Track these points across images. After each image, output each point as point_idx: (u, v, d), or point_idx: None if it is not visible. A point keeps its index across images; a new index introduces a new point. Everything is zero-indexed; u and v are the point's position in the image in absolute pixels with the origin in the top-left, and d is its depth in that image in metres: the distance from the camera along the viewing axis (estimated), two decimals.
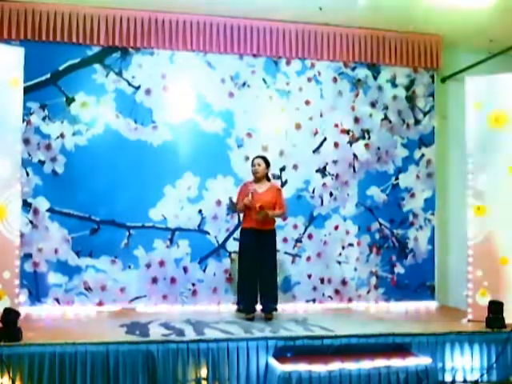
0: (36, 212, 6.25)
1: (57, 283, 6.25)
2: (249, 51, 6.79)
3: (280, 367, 4.57)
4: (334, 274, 6.94)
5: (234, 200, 5.96)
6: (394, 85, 7.25)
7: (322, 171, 6.99)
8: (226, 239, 6.68)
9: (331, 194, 7.00)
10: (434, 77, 7.39)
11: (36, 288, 6.19)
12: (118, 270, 6.41)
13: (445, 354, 5.12)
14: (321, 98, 7.03)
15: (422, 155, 7.29)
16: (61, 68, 6.39)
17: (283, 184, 6.82)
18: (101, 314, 6.09)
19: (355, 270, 7.00)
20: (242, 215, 6.08)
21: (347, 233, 7.02)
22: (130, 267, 6.44)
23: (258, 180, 5.87)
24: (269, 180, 6.00)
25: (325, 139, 7.02)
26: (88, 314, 6.06)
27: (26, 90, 5.84)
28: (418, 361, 4.85)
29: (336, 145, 7.04)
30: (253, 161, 5.96)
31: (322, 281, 6.89)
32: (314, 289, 6.85)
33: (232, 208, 6.26)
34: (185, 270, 6.57)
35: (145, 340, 4.70)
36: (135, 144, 6.54)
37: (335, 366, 4.65)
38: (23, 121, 5.92)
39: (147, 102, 6.60)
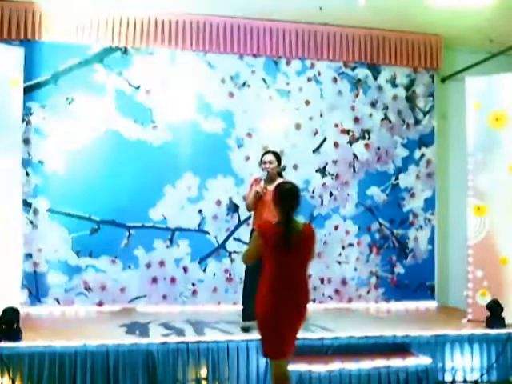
0: (36, 212, 6.25)
1: (57, 283, 6.24)
2: (249, 51, 6.78)
3: None
4: (334, 274, 6.94)
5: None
6: (394, 85, 7.25)
7: (322, 171, 7.00)
8: (226, 239, 6.68)
9: (331, 194, 7.01)
10: (434, 77, 7.39)
11: (36, 288, 6.18)
12: (118, 269, 6.41)
13: (445, 354, 5.13)
14: (321, 98, 7.03)
15: (422, 155, 7.29)
16: (61, 68, 6.40)
17: None
18: (101, 313, 6.09)
19: (355, 269, 7.01)
20: (252, 215, 5.55)
21: (347, 233, 7.02)
22: (129, 267, 6.44)
23: (269, 179, 5.17)
24: (281, 176, 5.38)
25: (325, 139, 7.02)
26: (88, 314, 6.06)
27: (26, 90, 5.85)
28: (418, 361, 4.86)
29: (336, 145, 7.05)
30: (263, 157, 5.33)
31: (322, 281, 6.89)
32: (314, 289, 6.83)
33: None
34: (185, 269, 6.57)
35: (145, 340, 4.71)
36: (135, 144, 6.54)
37: (335, 366, 4.66)
38: (23, 121, 5.92)
39: (147, 102, 6.60)
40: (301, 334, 4.91)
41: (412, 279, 7.12)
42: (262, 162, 5.34)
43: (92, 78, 6.48)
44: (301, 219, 3.97)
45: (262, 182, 5.20)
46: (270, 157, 5.28)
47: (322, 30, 6.92)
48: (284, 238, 3.59)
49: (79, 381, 4.45)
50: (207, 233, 6.67)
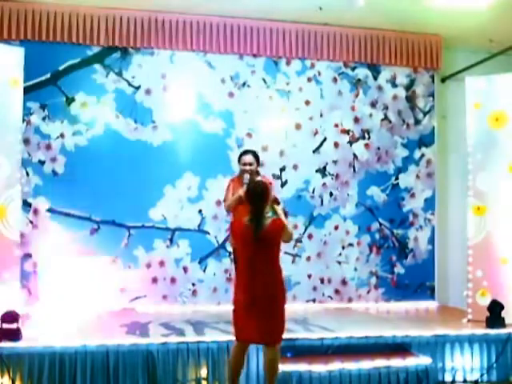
0: (36, 212, 6.25)
1: (56, 283, 6.23)
2: (249, 51, 6.79)
3: (280, 367, 4.56)
4: (334, 273, 6.94)
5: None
6: (394, 85, 7.26)
7: (322, 171, 7.00)
8: (226, 239, 6.68)
9: (331, 194, 7.01)
10: (433, 77, 7.39)
11: (36, 288, 6.18)
12: (118, 269, 6.41)
13: (445, 354, 5.12)
14: (321, 98, 7.04)
15: (422, 155, 7.29)
16: (61, 68, 6.40)
17: (283, 184, 6.82)
18: (101, 313, 6.09)
19: (355, 269, 7.01)
20: (231, 215, 5.49)
21: (347, 233, 7.02)
22: (129, 267, 6.44)
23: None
24: (258, 174, 5.25)
25: (325, 139, 7.02)
26: (88, 314, 6.05)
27: (26, 90, 5.84)
28: (418, 361, 4.85)
29: (336, 145, 7.05)
30: (243, 157, 5.22)
31: (322, 281, 6.90)
32: (314, 289, 6.85)
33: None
34: (185, 269, 6.58)
35: (145, 340, 4.70)
36: (135, 144, 6.54)
37: (335, 366, 4.66)
38: (23, 121, 5.91)
39: (147, 102, 6.60)
40: (301, 334, 4.98)
41: (412, 279, 7.12)
42: (241, 163, 5.22)
43: (92, 77, 6.48)
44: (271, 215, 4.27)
45: (245, 186, 4.92)
46: (250, 158, 5.18)
47: (322, 30, 6.92)
48: (254, 232, 4.05)
49: (79, 381, 4.44)
50: (207, 233, 6.67)
